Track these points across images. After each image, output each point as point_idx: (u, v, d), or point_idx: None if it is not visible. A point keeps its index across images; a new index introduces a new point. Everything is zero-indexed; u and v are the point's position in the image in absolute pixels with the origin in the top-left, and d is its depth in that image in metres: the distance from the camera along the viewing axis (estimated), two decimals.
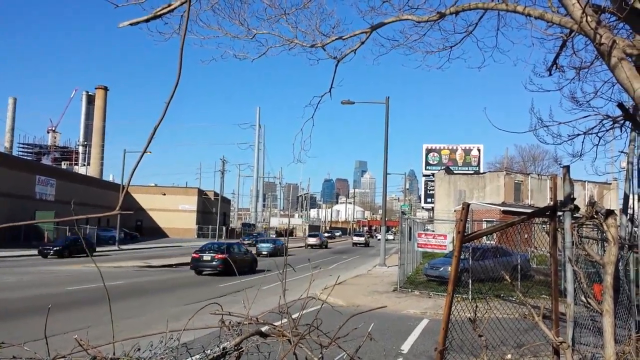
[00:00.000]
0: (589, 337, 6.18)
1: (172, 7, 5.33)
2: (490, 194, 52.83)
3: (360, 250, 58.53)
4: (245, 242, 51.07)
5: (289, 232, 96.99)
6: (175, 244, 60.25)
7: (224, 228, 79.93)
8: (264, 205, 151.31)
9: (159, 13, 5.35)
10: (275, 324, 3.11)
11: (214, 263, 25.11)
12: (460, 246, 4.21)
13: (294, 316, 3.06)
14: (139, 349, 2.85)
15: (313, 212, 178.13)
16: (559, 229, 5.16)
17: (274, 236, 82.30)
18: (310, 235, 66.75)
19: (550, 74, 8.38)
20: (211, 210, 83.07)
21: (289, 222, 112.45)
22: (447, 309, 4.15)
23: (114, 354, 2.75)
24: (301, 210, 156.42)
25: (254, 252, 34.63)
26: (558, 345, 4.32)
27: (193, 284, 22.39)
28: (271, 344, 2.97)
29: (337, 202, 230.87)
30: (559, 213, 5.12)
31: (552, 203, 5.15)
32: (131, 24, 5.43)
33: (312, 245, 60.04)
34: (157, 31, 6.80)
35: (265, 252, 42.00)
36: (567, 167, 5.23)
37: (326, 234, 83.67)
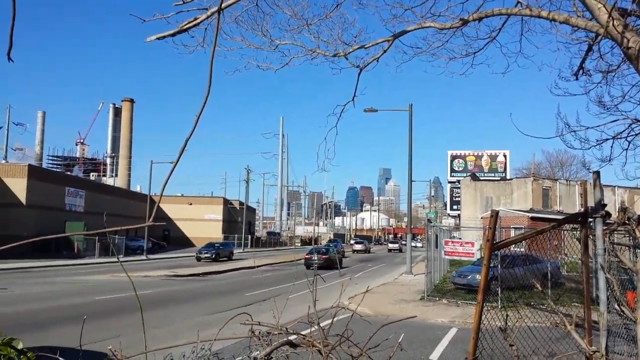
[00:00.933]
0: (622, 345, 6.04)
1: (198, 20, 5.42)
2: (518, 200, 52.09)
3: (386, 259, 58.34)
4: (203, 254, 46.94)
5: (315, 240, 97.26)
6: None
7: (250, 237, 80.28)
8: (288, 214, 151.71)
9: (185, 27, 5.45)
10: (304, 332, 3.12)
11: (318, 261, 37.17)
12: (489, 255, 4.16)
13: (322, 324, 3.06)
14: (172, 359, 2.89)
15: (338, 220, 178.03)
16: (590, 236, 5.07)
17: (299, 245, 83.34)
18: (356, 242, 78.63)
19: (577, 79, 8.23)
20: (236, 219, 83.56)
21: (314, 230, 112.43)
22: (477, 317, 4.10)
23: None
24: (326, 219, 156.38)
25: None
26: (591, 354, 4.23)
27: (220, 293, 22.57)
28: (301, 354, 2.98)
29: (361, 210, 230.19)
30: (590, 219, 5.03)
31: (582, 209, 5.07)
32: (158, 38, 5.54)
33: (357, 251, 70.40)
34: (182, 44, 6.93)
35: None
36: (598, 173, 5.14)
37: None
